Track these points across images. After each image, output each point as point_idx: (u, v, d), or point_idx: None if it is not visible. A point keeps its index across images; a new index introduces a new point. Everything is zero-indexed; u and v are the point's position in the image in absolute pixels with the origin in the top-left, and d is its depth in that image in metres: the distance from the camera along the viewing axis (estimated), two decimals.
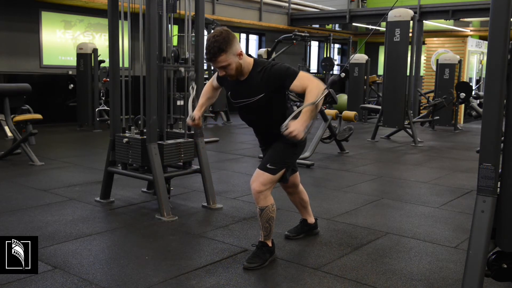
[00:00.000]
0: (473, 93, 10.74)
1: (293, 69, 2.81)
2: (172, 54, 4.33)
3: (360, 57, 12.51)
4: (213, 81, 3.17)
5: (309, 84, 2.71)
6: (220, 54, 2.71)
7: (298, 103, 7.94)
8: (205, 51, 2.80)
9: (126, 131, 4.24)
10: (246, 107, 2.93)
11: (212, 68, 10.77)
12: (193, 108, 3.24)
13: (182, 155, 4.14)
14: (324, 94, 2.67)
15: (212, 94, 3.21)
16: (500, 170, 2.22)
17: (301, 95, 2.78)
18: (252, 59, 2.89)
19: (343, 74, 13.32)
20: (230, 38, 2.73)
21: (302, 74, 2.77)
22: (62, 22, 10.44)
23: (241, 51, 2.79)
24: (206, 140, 5.99)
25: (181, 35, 5.60)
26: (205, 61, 4.16)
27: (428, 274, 2.90)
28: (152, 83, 3.92)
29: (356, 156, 7.20)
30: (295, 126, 2.60)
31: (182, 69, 4.27)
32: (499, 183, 2.23)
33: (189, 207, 4.28)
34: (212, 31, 2.94)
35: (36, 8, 9.89)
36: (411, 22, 8.63)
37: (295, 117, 2.65)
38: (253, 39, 15.36)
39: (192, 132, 4.26)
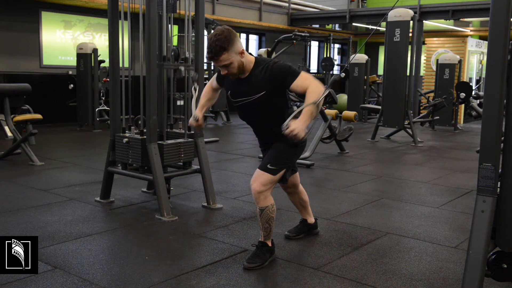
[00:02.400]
0: (473, 93, 10.73)
1: (294, 69, 2.82)
2: (172, 53, 4.33)
3: (360, 57, 12.51)
4: (212, 82, 3.16)
5: (310, 84, 2.72)
6: (222, 53, 2.71)
7: (298, 103, 7.94)
8: (206, 50, 2.80)
9: (126, 131, 4.24)
10: (246, 105, 2.93)
11: (213, 68, 10.78)
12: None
13: (182, 155, 4.14)
14: (325, 94, 2.68)
15: (212, 95, 3.20)
16: (500, 170, 2.22)
17: (301, 95, 2.78)
18: (253, 57, 2.89)
19: (343, 74, 13.32)
20: (231, 37, 2.73)
21: (303, 74, 2.78)
22: (62, 22, 10.44)
23: (242, 49, 2.79)
24: (206, 140, 5.99)
25: (181, 35, 5.60)
26: (205, 61, 4.15)
27: (428, 274, 2.90)
28: (152, 83, 3.92)
29: (356, 156, 7.20)
30: (296, 125, 2.59)
31: (182, 68, 4.26)
32: (499, 183, 2.23)
33: (189, 207, 4.28)
34: (212, 31, 2.94)
35: (36, 8, 9.90)
36: (411, 22, 8.63)
37: (296, 117, 2.65)
38: (253, 39, 15.36)
39: (192, 132, 4.25)
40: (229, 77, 2.93)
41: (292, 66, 2.84)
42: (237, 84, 2.92)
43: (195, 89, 3.35)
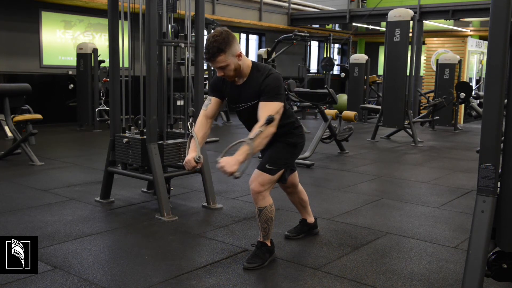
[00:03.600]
0: (473, 93, 10.74)
1: (278, 92, 2.74)
2: (172, 30, 4.28)
3: (360, 57, 12.51)
4: (205, 110, 2.96)
5: (263, 117, 2.66)
6: (219, 54, 2.71)
7: (298, 103, 7.95)
8: (204, 50, 2.80)
9: (126, 131, 4.24)
10: (245, 111, 2.92)
11: (212, 68, 10.77)
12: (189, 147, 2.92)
13: (182, 155, 4.14)
14: (258, 136, 2.61)
15: (207, 128, 2.97)
16: (500, 170, 2.22)
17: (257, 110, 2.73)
18: (250, 62, 2.88)
19: (343, 74, 13.32)
20: (229, 39, 2.73)
21: (274, 105, 2.71)
22: (62, 22, 10.44)
23: (240, 52, 2.78)
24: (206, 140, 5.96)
25: (181, 35, 5.60)
26: (204, 62, 4.15)
27: (428, 274, 2.90)
28: (152, 83, 3.92)
29: (356, 156, 7.20)
30: (225, 162, 2.61)
31: (182, 45, 4.22)
32: (499, 183, 2.23)
33: (189, 207, 4.28)
34: (212, 31, 2.90)
35: (36, 8, 9.89)
36: (411, 22, 8.63)
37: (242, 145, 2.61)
38: (253, 39, 15.35)
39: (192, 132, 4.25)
40: (226, 83, 2.93)
41: (280, 88, 2.76)
42: (234, 90, 2.91)
43: (191, 125, 3.21)
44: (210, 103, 2.97)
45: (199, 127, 2.94)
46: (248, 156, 2.62)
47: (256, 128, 2.65)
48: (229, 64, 2.75)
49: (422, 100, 12.48)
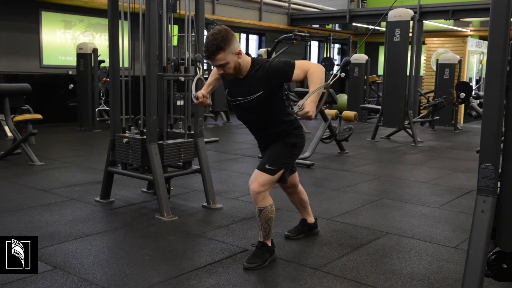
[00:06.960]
0: (473, 93, 10.74)
1: (289, 61, 2.85)
2: (172, 64, 4.34)
3: (360, 57, 12.51)
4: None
5: (309, 67, 2.78)
6: (218, 52, 2.72)
7: (298, 104, 7.92)
8: (204, 49, 2.80)
9: (126, 131, 4.24)
10: (244, 105, 2.92)
11: (212, 67, 10.78)
12: (197, 89, 3.21)
13: (182, 155, 4.14)
14: (335, 78, 2.80)
15: (216, 82, 3.18)
16: (500, 170, 2.22)
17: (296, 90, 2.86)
18: (250, 58, 2.89)
19: (343, 74, 13.32)
20: (229, 37, 2.73)
21: (299, 62, 2.83)
22: (62, 22, 10.44)
23: (240, 50, 2.79)
24: (206, 140, 5.98)
25: (181, 35, 5.61)
26: (205, 61, 4.16)
27: (428, 274, 2.90)
28: (152, 83, 3.92)
29: (356, 156, 7.20)
30: (310, 107, 2.62)
31: (182, 78, 4.27)
32: (499, 183, 2.23)
33: (189, 207, 4.28)
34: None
35: (36, 8, 9.90)
36: (411, 22, 8.63)
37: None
38: (253, 39, 15.36)
39: (192, 132, 4.26)
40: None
41: (286, 60, 2.86)
42: (234, 83, 2.92)
43: (199, 69, 3.42)
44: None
45: (213, 73, 3.13)
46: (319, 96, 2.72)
47: (317, 75, 2.74)
48: (228, 62, 2.76)
49: (422, 100, 12.48)
